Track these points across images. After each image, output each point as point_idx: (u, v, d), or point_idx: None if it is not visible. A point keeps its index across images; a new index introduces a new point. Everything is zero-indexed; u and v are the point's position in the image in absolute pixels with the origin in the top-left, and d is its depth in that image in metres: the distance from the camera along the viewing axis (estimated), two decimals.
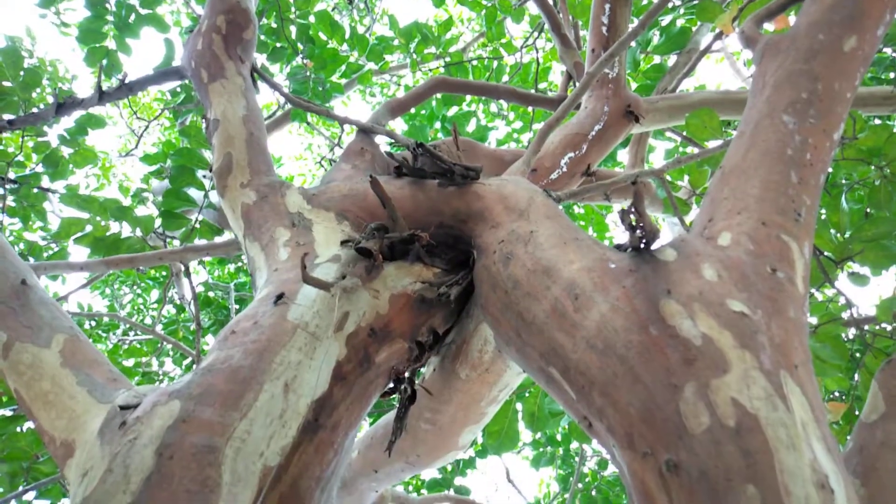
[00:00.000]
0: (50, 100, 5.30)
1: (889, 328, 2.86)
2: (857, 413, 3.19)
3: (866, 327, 2.88)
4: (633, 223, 1.26)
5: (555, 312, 1.27)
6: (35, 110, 3.78)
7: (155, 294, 8.09)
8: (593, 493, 5.67)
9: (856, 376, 3.25)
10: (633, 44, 4.30)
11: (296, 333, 1.34)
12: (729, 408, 0.92)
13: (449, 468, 5.27)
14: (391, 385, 1.61)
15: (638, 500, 0.97)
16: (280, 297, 1.44)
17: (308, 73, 4.73)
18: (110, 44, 3.93)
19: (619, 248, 1.37)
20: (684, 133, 4.20)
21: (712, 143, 2.91)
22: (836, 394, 3.90)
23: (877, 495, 1.16)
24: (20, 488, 3.11)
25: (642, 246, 1.28)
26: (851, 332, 3.56)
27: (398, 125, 7.04)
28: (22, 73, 3.93)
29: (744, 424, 0.90)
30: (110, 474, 1.03)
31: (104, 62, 3.86)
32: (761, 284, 1.14)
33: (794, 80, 1.54)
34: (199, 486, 0.99)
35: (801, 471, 0.86)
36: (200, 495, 0.98)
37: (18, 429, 3.26)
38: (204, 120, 2.47)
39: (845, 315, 2.84)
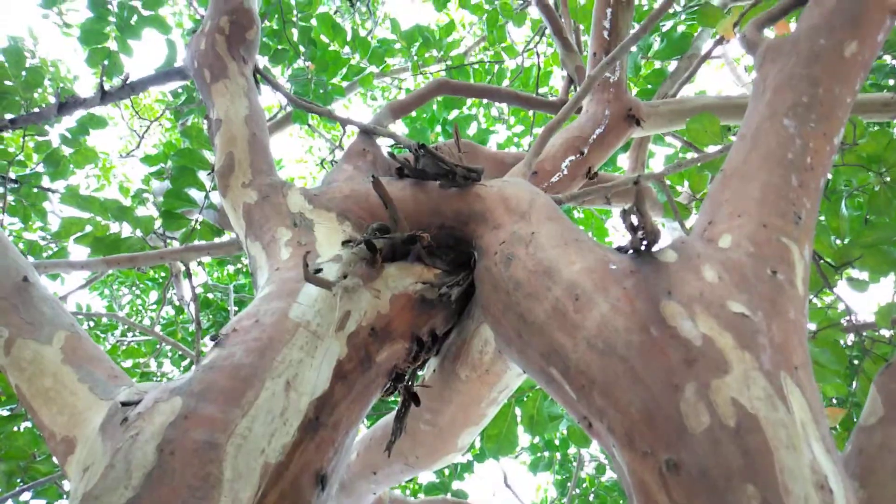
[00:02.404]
0: (52, 100, 5.32)
1: (888, 334, 2.87)
2: (855, 420, 3.19)
3: (865, 333, 2.89)
4: (635, 224, 1.27)
5: (556, 313, 1.27)
6: (37, 110, 3.79)
7: (153, 295, 8.09)
8: (591, 498, 5.66)
9: (854, 383, 3.26)
10: (634, 48, 4.31)
11: (297, 332, 1.34)
12: (729, 408, 0.93)
13: (446, 472, 5.26)
14: (391, 385, 1.62)
15: (638, 499, 0.97)
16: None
17: (310, 76, 4.74)
18: (112, 45, 3.94)
19: (620, 249, 1.38)
20: (685, 138, 4.21)
21: (712, 149, 2.92)
22: (835, 400, 3.90)
23: (876, 497, 1.16)
24: (17, 488, 3.10)
25: (643, 247, 1.29)
26: (850, 338, 3.56)
27: (399, 128, 7.05)
28: (24, 72, 3.95)
29: (744, 424, 0.91)
30: (112, 469, 1.03)
31: (106, 63, 3.87)
32: (761, 286, 1.15)
33: (794, 84, 1.55)
34: (201, 481, 1.00)
35: (800, 471, 0.86)
36: (202, 491, 0.99)
37: (16, 428, 3.26)
38: (206, 120, 2.47)
39: (844, 321, 2.84)
